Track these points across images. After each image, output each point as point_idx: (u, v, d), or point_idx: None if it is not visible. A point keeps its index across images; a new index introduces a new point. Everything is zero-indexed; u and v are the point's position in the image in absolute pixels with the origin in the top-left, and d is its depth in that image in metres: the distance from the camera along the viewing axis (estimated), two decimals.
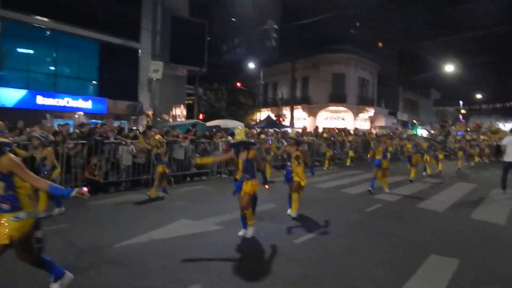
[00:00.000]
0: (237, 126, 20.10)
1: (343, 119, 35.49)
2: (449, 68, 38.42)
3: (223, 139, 13.53)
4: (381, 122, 37.58)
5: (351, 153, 17.75)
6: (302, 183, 6.87)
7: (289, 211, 7.00)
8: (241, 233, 5.62)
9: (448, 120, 50.49)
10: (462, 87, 58.58)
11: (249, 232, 5.62)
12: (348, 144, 18.63)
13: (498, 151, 21.66)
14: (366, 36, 55.00)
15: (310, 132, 20.06)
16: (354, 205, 8.19)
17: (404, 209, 7.90)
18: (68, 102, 17.65)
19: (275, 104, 36.27)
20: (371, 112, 37.32)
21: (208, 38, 26.31)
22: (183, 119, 24.70)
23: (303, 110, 36.47)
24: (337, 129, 25.51)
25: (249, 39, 20.01)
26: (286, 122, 30.08)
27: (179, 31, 23.19)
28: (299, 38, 41.39)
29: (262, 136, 14.64)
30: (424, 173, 13.64)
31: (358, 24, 61.54)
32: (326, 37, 42.41)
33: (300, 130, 20.29)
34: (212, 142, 12.87)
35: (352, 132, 24.26)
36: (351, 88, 35.84)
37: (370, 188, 9.57)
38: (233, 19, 52.98)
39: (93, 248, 5.00)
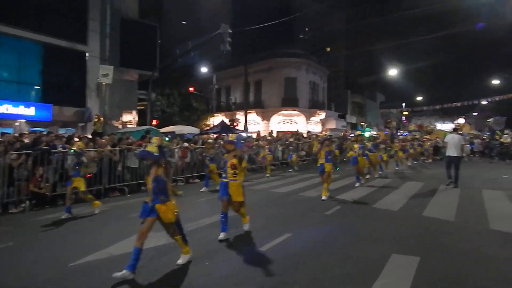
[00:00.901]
0: (194, 132, 19.80)
1: (296, 122, 36.22)
2: (393, 72, 40.80)
3: (179, 146, 13.23)
4: (332, 125, 38.87)
5: (294, 157, 17.12)
6: (240, 199, 5.99)
7: (245, 226, 6.32)
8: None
9: (392, 122, 53.39)
10: (404, 90, 62.37)
11: (181, 259, 4.83)
12: (290, 147, 17.97)
13: (436, 150, 23.27)
14: (315, 41, 56.63)
15: (265, 136, 20.24)
16: (314, 207, 8.34)
17: (361, 209, 8.17)
18: (7, 109, 16.29)
19: (229, 108, 36.24)
20: (322, 115, 38.45)
21: (159, 41, 25.70)
22: (135, 126, 23.89)
23: (257, 114, 36.76)
24: (290, 132, 26.00)
25: (202, 43, 19.78)
26: (240, 127, 30.12)
27: (129, 34, 22.38)
28: (252, 42, 41.75)
29: (210, 140, 14.03)
30: (368, 176, 13.47)
31: (307, 29, 63.32)
32: (278, 41, 43.17)
33: (254, 135, 20.44)
34: (168, 149, 12.52)
35: (305, 135, 24.79)
36: (303, 92, 36.68)
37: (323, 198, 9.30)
38: (184, 22, 52.27)
39: (46, 268, 4.63)
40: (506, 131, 24.14)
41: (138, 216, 4.59)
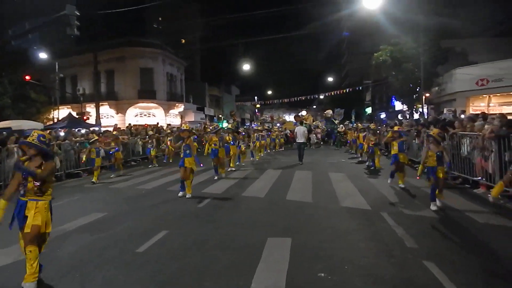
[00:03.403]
0: (36, 128, 17.10)
1: (154, 115, 34.98)
2: (246, 67, 43.18)
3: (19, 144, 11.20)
4: (191, 117, 38.95)
5: (153, 152, 15.97)
6: (43, 228, 3.85)
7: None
8: None
9: (235, 113, 56.21)
10: (257, 85, 67.10)
11: None
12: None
13: (287, 139, 25.76)
14: (170, 32, 55.51)
15: (124, 130, 18.94)
16: (186, 202, 8.18)
17: (232, 199, 8.38)
18: None
19: (76, 100, 32.40)
20: (181, 108, 38.10)
21: None
22: None
23: (110, 107, 34.03)
24: (149, 125, 24.96)
25: (42, 25, 17.02)
26: (92, 121, 27.42)
27: None
28: (101, 28, 38.21)
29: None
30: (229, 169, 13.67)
31: (161, 18, 61.48)
32: (130, 29, 40.73)
33: (111, 129, 18.86)
34: (5, 148, 10.47)
35: (165, 128, 24.13)
36: (160, 83, 35.55)
37: (180, 194, 8.67)
38: None
39: None
40: (346, 123, 27.79)
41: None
